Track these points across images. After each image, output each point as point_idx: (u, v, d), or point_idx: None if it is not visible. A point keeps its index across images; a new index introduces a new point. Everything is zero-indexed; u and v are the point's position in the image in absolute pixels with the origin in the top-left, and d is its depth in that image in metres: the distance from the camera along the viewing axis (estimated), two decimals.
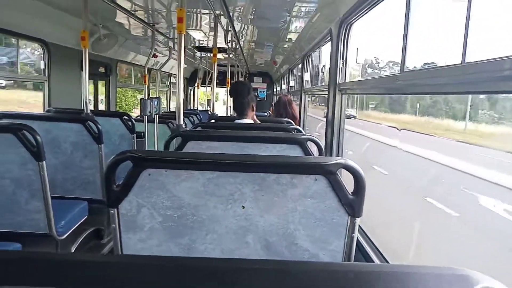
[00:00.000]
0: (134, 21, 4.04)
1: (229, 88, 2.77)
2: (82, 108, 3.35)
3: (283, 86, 8.57)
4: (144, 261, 0.53)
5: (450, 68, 1.30)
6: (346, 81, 2.56)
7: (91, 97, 5.41)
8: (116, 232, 1.14)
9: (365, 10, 2.17)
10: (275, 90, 11.35)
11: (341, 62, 2.55)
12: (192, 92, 11.99)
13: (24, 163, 2.05)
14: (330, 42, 2.80)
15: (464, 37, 1.15)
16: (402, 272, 0.46)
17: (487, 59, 1.03)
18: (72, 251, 2.72)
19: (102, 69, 5.40)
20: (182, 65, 2.27)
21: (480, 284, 0.42)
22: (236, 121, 2.63)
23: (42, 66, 3.97)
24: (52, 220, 2.19)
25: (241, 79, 10.29)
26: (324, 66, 4.65)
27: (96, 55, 4.74)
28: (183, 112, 5.58)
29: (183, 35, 2.22)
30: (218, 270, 0.48)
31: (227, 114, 7.17)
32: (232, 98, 2.74)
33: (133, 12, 3.82)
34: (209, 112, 4.75)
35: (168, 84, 9.37)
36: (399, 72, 1.63)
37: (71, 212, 2.48)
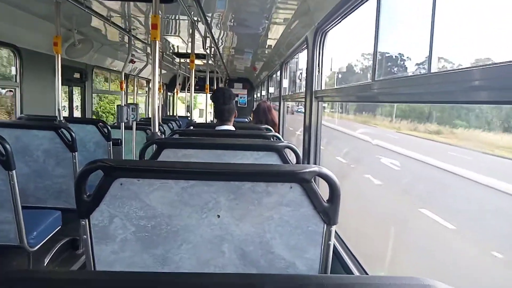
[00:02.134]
0: (110, 26, 3.98)
1: (211, 94, 2.71)
2: (56, 115, 3.28)
3: (263, 92, 8.61)
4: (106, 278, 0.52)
5: (416, 78, 1.34)
6: (322, 88, 2.59)
7: (66, 104, 5.29)
8: (87, 244, 1.11)
9: (339, 19, 2.21)
10: (255, 96, 11.38)
11: (317, 69, 2.59)
12: (171, 98, 11.88)
13: None
14: (306, 49, 2.84)
15: (430, 47, 1.18)
16: (363, 283, 0.46)
17: (452, 70, 1.07)
18: (45, 263, 2.64)
19: (77, 75, 5.29)
20: (157, 72, 2.25)
21: None
22: (218, 128, 2.58)
23: (13, 72, 3.86)
24: (23, 231, 2.12)
25: (221, 85, 10.27)
26: (301, 73, 4.70)
27: (72, 60, 4.64)
28: (162, 119, 5.54)
29: (157, 41, 2.21)
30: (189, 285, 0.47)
31: (206, 121, 7.14)
32: (214, 104, 2.68)
33: (109, 18, 3.76)
34: (188, 119, 4.72)
35: (147, 90, 9.27)
36: (371, 80, 1.67)
37: (44, 223, 2.41)
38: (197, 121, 5.97)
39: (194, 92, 4.31)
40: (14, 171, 2.00)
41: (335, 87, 2.74)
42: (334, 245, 1.16)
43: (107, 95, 11.42)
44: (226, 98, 2.58)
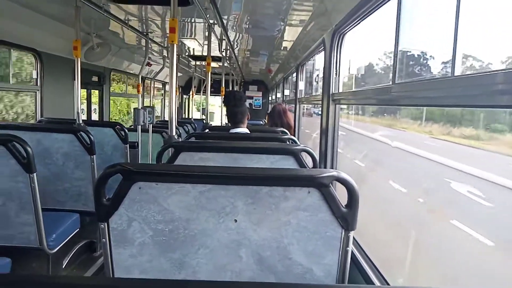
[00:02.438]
0: (128, 30, 4.04)
1: (223, 97, 2.75)
2: (75, 118, 3.33)
3: (279, 95, 8.60)
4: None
5: (438, 81, 1.30)
6: (340, 91, 2.56)
7: (84, 107, 5.38)
8: (106, 247, 1.12)
9: (357, 21, 2.18)
10: (270, 98, 11.38)
11: (334, 72, 2.56)
12: (186, 101, 11.97)
13: (14, 175, 2.03)
14: (323, 51, 2.81)
15: (453, 50, 1.15)
16: None
17: (475, 73, 1.04)
18: (64, 266, 2.68)
19: (95, 78, 5.38)
20: (175, 75, 2.26)
21: None
22: (232, 131, 2.60)
23: (34, 76, 3.95)
24: (43, 233, 2.16)
25: (236, 87, 10.31)
26: (318, 75, 4.67)
27: (89, 64, 4.72)
28: (178, 122, 5.59)
29: (175, 45, 2.22)
30: None
31: (221, 123, 7.16)
32: (226, 107, 2.71)
33: (126, 21, 3.82)
34: (204, 121, 4.74)
35: (163, 92, 9.36)
36: (390, 83, 1.64)
37: (63, 225, 2.45)
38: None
39: (210, 95, 4.34)
40: (35, 174, 2.04)
41: (353, 89, 2.70)
42: (352, 251, 1.14)
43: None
44: (237, 100, 2.63)
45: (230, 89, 8.38)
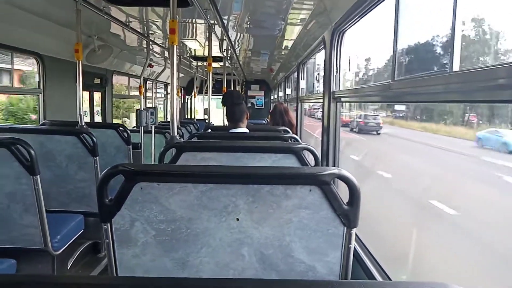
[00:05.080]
0: (129, 32, 4.05)
1: (222, 97, 2.80)
2: (77, 120, 3.35)
3: (280, 94, 8.61)
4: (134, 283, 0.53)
5: (436, 77, 1.31)
6: (340, 89, 2.56)
7: (87, 109, 5.40)
8: (109, 247, 1.13)
9: (356, 18, 2.18)
10: (272, 97, 11.38)
11: (335, 70, 2.56)
12: (189, 101, 11.99)
13: (18, 177, 2.05)
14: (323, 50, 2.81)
15: (451, 46, 1.15)
16: None
17: (474, 68, 1.04)
18: (69, 267, 2.70)
19: (97, 80, 5.40)
20: (175, 76, 2.27)
21: None
22: (231, 131, 2.60)
23: (37, 79, 3.97)
24: (48, 234, 2.18)
25: (238, 87, 10.32)
26: (318, 74, 4.66)
27: (91, 66, 4.74)
28: (181, 122, 5.59)
29: (175, 46, 2.23)
30: None
31: (223, 123, 7.17)
32: (225, 107, 2.73)
33: (127, 24, 3.83)
34: (206, 122, 4.75)
35: (165, 94, 9.38)
36: (390, 80, 1.64)
37: (67, 226, 2.46)
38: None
39: (212, 95, 4.34)
40: (38, 176, 2.06)
41: (354, 87, 2.71)
42: (354, 248, 1.14)
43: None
44: (235, 98, 2.67)
45: (232, 89, 8.40)
